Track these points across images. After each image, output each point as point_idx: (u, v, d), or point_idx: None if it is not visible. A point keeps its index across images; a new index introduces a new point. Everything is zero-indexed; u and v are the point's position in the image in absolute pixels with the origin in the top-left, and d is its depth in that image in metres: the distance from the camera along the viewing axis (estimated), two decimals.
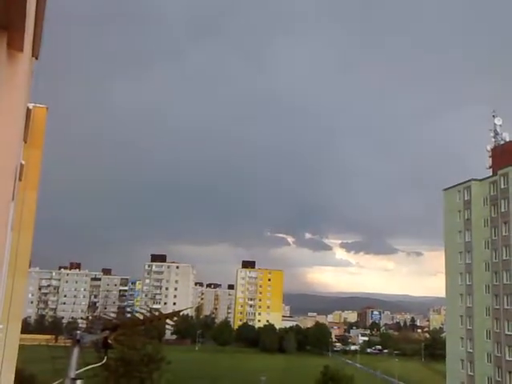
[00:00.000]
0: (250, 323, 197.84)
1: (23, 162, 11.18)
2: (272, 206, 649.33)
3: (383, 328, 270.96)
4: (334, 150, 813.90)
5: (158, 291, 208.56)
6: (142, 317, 5.81)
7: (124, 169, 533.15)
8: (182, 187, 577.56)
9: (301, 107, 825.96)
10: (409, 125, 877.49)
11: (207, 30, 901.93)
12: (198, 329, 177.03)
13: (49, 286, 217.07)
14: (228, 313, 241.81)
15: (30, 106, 10.88)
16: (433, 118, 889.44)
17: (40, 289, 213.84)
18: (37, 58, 6.73)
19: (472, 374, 77.30)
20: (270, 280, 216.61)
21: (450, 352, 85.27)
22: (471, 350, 78.13)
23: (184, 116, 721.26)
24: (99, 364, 5.68)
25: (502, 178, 76.98)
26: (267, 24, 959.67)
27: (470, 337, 78.96)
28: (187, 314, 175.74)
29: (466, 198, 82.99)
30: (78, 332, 5.08)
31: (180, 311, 6.18)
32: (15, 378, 15.18)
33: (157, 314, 6.07)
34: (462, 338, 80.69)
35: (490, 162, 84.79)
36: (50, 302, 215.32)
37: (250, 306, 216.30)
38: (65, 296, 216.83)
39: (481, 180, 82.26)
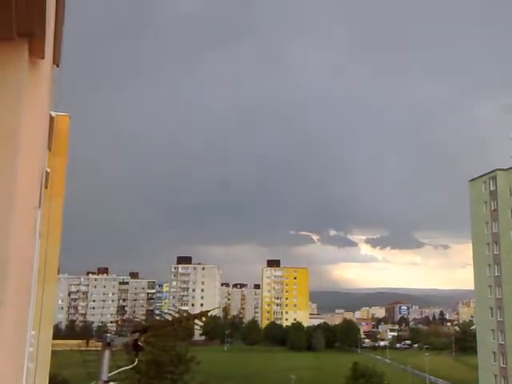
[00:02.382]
0: (278, 322, 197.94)
1: (48, 170, 11.31)
2: (295, 205, 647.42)
3: (412, 323, 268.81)
4: (356, 146, 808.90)
5: (185, 293, 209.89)
6: (170, 318, 5.84)
7: (147, 174, 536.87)
8: (205, 189, 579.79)
9: (320, 102, 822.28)
10: (431, 116, 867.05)
11: (222, 36, 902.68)
12: (226, 329, 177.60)
13: (78, 291, 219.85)
14: (255, 312, 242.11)
15: (53, 114, 11.00)
16: (456, 108, 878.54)
17: (69, 294, 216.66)
18: (58, 66, 6.80)
19: (504, 366, 76.28)
20: (295, 278, 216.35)
21: (481, 345, 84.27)
22: (503, 342, 77.11)
23: (205, 119, 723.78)
24: (130, 366, 5.72)
25: None
26: (280, 29, 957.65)
27: (501, 328, 77.92)
28: (215, 315, 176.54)
29: (491, 189, 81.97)
30: (109, 335, 5.12)
31: (208, 311, 6.19)
32: (49, 383, 15.37)
33: (185, 314, 6.10)
34: (492, 330, 79.69)
35: None
36: (79, 308, 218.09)
37: (277, 304, 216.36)
38: (93, 301, 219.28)
39: (506, 170, 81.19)
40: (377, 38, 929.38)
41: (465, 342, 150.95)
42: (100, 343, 5.14)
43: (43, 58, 3.57)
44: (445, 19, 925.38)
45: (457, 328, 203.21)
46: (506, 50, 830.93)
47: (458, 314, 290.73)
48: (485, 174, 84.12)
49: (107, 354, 5.04)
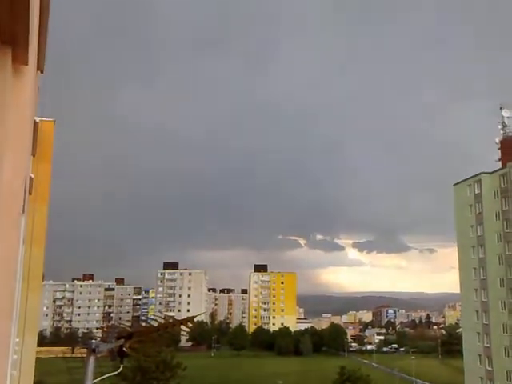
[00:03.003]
0: (265, 327, 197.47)
1: (32, 176, 11.23)
2: (282, 209, 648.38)
3: (399, 326, 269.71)
4: (341, 151, 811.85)
5: (172, 299, 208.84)
6: (156, 324, 5.82)
7: (133, 179, 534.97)
8: (192, 194, 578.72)
9: (306, 111, 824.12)
10: (415, 121, 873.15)
11: (211, 40, 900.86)
12: (213, 334, 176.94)
13: (63, 298, 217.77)
14: (242, 317, 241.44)
15: (37, 119, 10.94)
16: (439, 113, 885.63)
17: (54, 301, 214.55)
18: (42, 72, 6.77)
19: (490, 368, 76.73)
20: (282, 283, 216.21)
21: (466, 348, 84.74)
22: (488, 345, 77.58)
23: (191, 126, 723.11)
24: (115, 373, 5.68)
25: None
26: (271, 31, 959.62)
27: (486, 331, 78.42)
28: (202, 320, 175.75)
29: (476, 192, 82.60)
30: (93, 341, 5.08)
31: (194, 317, 6.17)
32: None
33: (171, 320, 6.07)
34: (478, 333, 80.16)
35: (499, 154, 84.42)
36: (64, 314, 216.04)
37: (264, 309, 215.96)
38: (79, 307, 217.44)
39: (491, 173, 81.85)
40: (364, 46, 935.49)
41: (451, 345, 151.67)
42: (85, 350, 5.10)
43: (27, 64, 3.57)
44: (429, 23, 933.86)
45: (443, 331, 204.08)
46: (489, 53, 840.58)
47: (444, 317, 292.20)
48: (470, 178, 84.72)
49: (92, 360, 5.00)
